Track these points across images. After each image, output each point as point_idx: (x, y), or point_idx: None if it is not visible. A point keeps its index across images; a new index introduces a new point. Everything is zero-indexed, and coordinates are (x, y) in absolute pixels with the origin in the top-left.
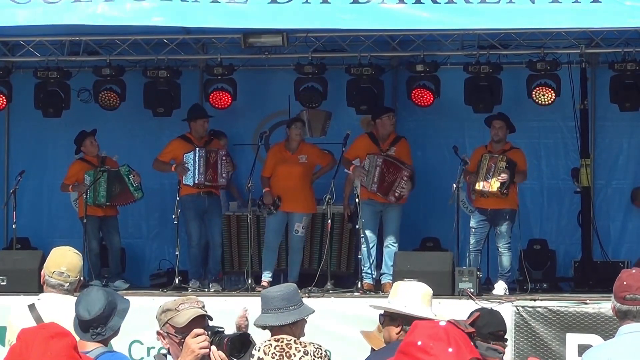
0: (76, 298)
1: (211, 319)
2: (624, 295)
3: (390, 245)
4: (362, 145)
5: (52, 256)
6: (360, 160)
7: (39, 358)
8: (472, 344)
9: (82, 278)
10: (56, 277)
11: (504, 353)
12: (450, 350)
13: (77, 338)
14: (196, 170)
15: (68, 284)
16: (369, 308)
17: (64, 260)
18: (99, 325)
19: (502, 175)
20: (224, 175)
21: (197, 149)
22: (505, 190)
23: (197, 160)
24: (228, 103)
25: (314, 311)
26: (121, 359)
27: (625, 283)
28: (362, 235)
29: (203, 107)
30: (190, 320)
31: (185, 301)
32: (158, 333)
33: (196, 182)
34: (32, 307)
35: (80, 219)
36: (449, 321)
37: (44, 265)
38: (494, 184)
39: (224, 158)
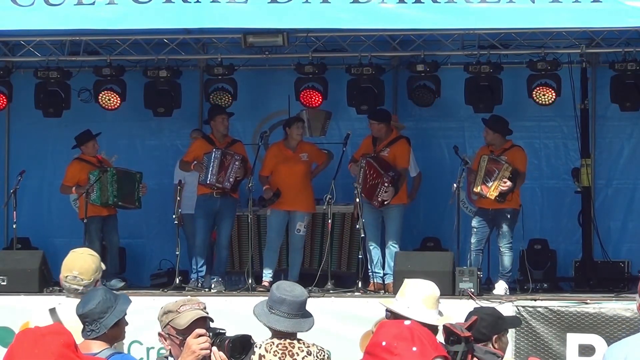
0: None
1: (212, 320)
2: None
3: (391, 246)
4: (364, 146)
5: (65, 260)
6: None
7: (27, 357)
8: (437, 342)
9: (99, 280)
10: (70, 282)
11: (502, 357)
12: (414, 349)
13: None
14: (209, 171)
15: (82, 287)
16: (369, 308)
17: (75, 264)
18: (92, 321)
19: (503, 187)
20: (230, 179)
21: (214, 150)
22: (501, 199)
23: (212, 161)
24: (228, 103)
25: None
26: None
27: None
28: (362, 235)
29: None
30: (192, 322)
31: (187, 302)
32: (160, 334)
33: (207, 182)
34: (52, 311)
35: (82, 220)
36: (448, 324)
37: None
38: (493, 192)
39: (237, 163)
